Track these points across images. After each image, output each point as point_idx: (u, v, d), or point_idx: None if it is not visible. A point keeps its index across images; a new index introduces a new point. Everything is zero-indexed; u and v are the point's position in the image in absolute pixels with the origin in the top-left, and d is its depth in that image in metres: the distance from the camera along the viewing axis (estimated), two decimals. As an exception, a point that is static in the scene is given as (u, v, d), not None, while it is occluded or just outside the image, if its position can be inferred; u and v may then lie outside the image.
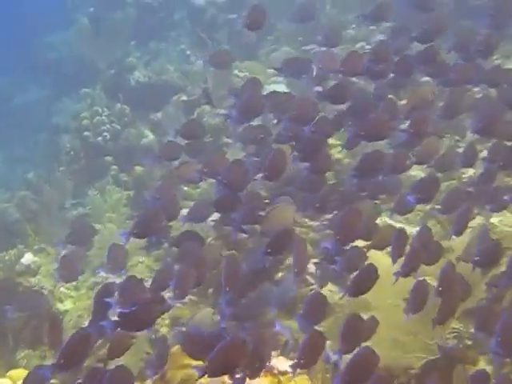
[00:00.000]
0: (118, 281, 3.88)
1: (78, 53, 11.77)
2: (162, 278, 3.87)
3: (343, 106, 4.66)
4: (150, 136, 9.38)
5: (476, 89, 6.22)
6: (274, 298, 4.38)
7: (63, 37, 12.77)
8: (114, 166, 9.14)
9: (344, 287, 3.86)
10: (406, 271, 3.90)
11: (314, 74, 4.76)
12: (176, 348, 4.20)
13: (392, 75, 4.65)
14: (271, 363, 3.72)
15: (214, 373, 3.18)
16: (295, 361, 3.40)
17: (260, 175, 4.21)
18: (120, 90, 10.07)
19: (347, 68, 4.54)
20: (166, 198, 4.42)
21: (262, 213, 4.24)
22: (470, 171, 5.61)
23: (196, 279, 3.82)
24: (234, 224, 4.26)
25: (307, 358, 3.42)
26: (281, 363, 3.78)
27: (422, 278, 3.90)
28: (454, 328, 4.54)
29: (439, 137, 4.74)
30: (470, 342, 4.44)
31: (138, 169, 8.48)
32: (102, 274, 4.27)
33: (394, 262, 3.97)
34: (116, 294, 3.71)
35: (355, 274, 3.90)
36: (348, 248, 4.06)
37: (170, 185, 4.72)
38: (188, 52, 10.91)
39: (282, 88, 8.23)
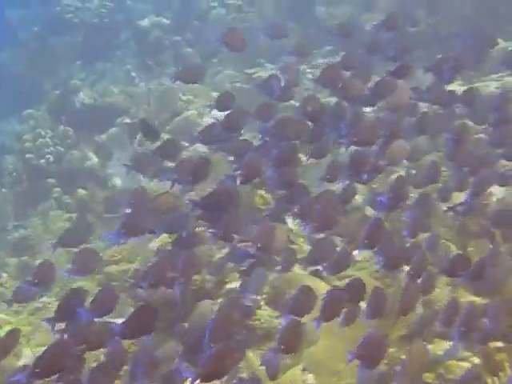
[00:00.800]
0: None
1: (22, 72, 11.69)
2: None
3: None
4: (94, 158, 9.37)
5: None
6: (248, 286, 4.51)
7: (7, 56, 12.65)
8: (57, 189, 9.09)
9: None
10: (390, 266, 4.16)
11: (282, 84, 4.96)
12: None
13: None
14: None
15: (205, 378, 3.30)
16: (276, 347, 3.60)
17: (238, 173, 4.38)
18: (64, 112, 10.05)
19: (326, 79, 4.74)
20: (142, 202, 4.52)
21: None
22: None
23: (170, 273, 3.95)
24: (214, 231, 4.38)
25: (287, 344, 3.62)
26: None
27: (378, 286, 4.10)
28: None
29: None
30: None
31: (81, 191, 8.45)
32: (66, 275, 4.28)
33: (360, 249, 4.18)
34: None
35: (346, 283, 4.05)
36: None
37: (144, 191, 4.78)
38: (133, 74, 10.95)
39: (224, 112, 8.31)
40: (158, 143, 4.91)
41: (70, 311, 3.80)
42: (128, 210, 4.41)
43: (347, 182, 4.67)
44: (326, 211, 4.19)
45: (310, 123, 4.77)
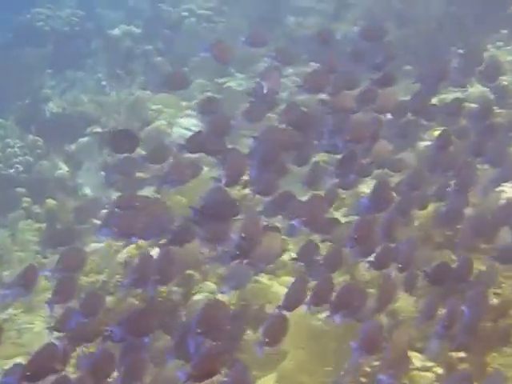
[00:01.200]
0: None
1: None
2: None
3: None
4: (64, 168, 9.34)
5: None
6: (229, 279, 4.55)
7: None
8: (27, 198, 9.04)
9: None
10: (378, 266, 4.28)
11: (265, 91, 4.99)
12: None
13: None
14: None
15: (197, 378, 3.36)
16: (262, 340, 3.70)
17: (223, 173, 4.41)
18: (34, 121, 10.00)
19: (311, 85, 4.81)
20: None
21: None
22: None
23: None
24: (202, 236, 4.39)
25: (271, 338, 3.71)
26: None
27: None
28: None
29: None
30: (364, 380, 4.56)
31: (50, 202, 8.42)
32: (48, 274, 4.29)
33: (350, 246, 4.23)
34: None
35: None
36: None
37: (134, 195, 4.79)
38: (104, 82, 10.93)
39: (193, 122, 8.37)
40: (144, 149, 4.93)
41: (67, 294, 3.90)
42: (117, 210, 4.42)
43: (331, 184, 4.79)
44: (315, 207, 4.26)
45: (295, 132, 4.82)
